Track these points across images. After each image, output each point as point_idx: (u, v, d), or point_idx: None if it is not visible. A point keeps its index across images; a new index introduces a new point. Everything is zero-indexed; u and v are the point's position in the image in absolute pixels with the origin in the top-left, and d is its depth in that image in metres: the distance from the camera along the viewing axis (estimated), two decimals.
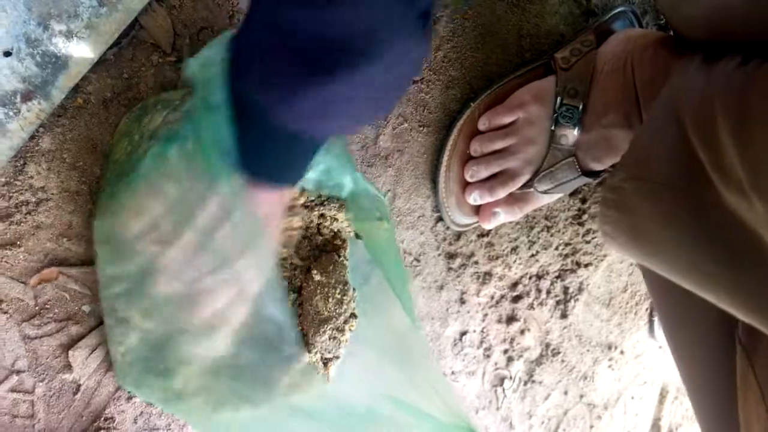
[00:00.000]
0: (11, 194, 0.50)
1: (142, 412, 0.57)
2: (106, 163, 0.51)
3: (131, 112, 0.51)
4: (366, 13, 0.38)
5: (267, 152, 0.45)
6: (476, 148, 0.66)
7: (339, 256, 0.55)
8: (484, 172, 0.66)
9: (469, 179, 0.67)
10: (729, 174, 0.42)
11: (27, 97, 0.48)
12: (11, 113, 0.48)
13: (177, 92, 0.52)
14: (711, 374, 0.60)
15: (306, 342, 0.52)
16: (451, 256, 0.72)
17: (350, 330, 0.54)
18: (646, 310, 0.91)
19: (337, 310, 0.53)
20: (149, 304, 0.46)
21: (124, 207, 0.46)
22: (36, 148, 0.50)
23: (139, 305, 0.47)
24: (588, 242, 0.81)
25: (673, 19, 0.58)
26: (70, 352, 0.54)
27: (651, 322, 0.91)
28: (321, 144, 0.47)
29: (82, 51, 0.49)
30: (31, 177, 0.50)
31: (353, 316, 0.54)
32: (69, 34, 0.48)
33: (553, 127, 0.65)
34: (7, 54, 0.46)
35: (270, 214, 0.49)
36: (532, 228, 0.77)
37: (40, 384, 0.53)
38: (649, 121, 0.54)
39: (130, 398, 0.56)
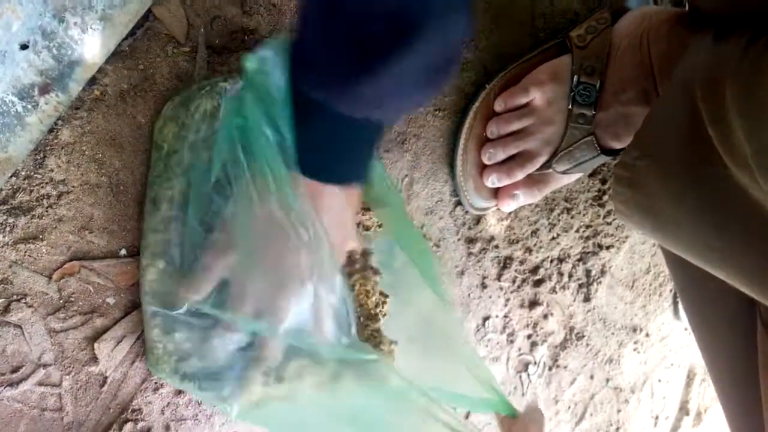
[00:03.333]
0: (32, 188, 0.50)
1: (169, 403, 0.57)
2: (153, 148, 0.52)
3: (173, 99, 0.52)
4: None
5: (329, 146, 0.46)
6: (493, 129, 0.66)
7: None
8: (501, 154, 0.66)
9: (486, 162, 0.66)
10: (736, 150, 0.42)
11: (44, 89, 0.48)
12: (30, 106, 0.48)
13: (219, 78, 0.53)
14: (733, 354, 0.60)
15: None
16: (471, 241, 0.72)
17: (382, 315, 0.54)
18: (671, 291, 0.90)
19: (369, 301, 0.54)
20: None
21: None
22: (55, 141, 0.50)
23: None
24: (609, 224, 0.81)
25: None
26: (96, 345, 0.54)
27: (676, 304, 0.90)
28: (381, 132, 0.47)
29: (97, 43, 0.49)
30: (52, 170, 0.50)
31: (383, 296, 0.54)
32: (84, 26, 0.48)
33: (570, 106, 0.64)
34: (24, 47, 0.47)
35: (338, 218, 0.49)
36: (552, 210, 0.76)
37: (67, 377, 0.53)
38: (663, 98, 0.53)
39: (156, 389, 0.56)
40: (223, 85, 0.52)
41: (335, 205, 0.48)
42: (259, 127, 0.44)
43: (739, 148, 0.42)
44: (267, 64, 0.44)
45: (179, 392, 0.58)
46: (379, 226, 0.58)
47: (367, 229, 0.57)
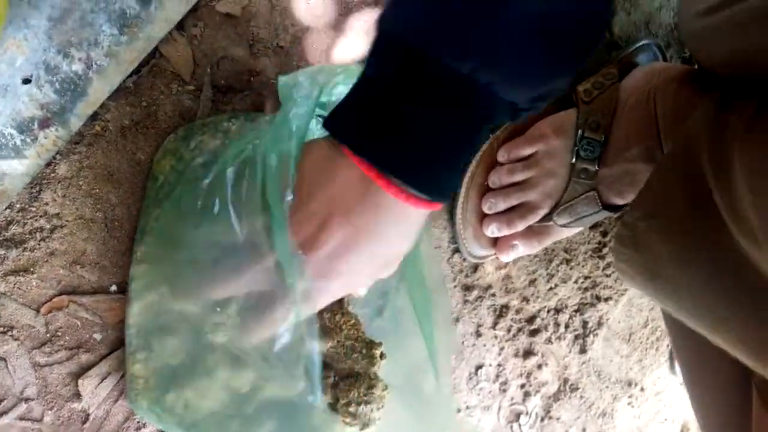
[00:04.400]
0: (26, 220, 0.50)
1: None
2: (149, 179, 0.52)
3: (176, 133, 0.52)
4: None
5: (413, 128, 0.33)
6: (495, 179, 0.65)
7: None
8: (502, 204, 0.65)
9: (487, 211, 0.66)
10: (743, 220, 0.42)
11: (45, 124, 0.48)
12: (28, 140, 0.48)
13: (224, 116, 0.52)
14: (725, 420, 0.58)
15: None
16: (467, 288, 0.71)
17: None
18: (667, 346, 0.88)
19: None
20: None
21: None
22: (52, 174, 0.50)
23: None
24: (608, 276, 0.80)
25: (698, 54, 0.57)
26: (80, 381, 0.53)
27: (672, 359, 0.89)
28: (483, 126, 0.35)
29: (101, 79, 0.49)
30: (47, 203, 0.50)
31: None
32: (89, 62, 0.48)
33: (573, 161, 0.64)
34: (27, 81, 0.46)
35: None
36: (551, 261, 0.76)
37: (49, 412, 0.52)
38: (667, 158, 0.53)
39: (139, 429, 0.55)
40: (227, 125, 0.52)
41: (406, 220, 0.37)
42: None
43: (745, 218, 0.42)
44: (300, 87, 0.42)
45: None
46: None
47: None
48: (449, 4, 0.31)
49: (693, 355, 0.62)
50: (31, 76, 0.46)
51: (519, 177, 0.64)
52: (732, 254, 0.44)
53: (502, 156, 0.65)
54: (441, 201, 0.37)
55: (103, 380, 0.54)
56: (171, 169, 0.52)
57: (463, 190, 0.66)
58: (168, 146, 0.52)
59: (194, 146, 0.52)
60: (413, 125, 0.33)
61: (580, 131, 0.64)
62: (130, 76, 0.51)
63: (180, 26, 0.52)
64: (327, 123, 0.36)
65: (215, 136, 0.52)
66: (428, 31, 0.32)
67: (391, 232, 0.37)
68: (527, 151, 0.65)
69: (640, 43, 0.69)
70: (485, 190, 0.66)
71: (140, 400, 0.51)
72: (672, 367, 0.90)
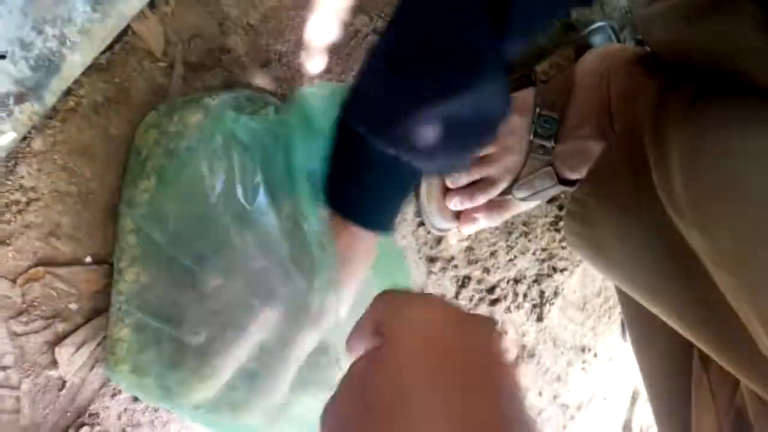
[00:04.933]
0: (2, 194, 0.51)
1: (126, 409, 0.58)
2: (132, 152, 0.54)
3: (157, 108, 0.54)
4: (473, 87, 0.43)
5: (364, 186, 0.49)
6: None
7: None
8: (464, 179, 0.68)
9: (450, 185, 0.69)
10: (675, 199, 0.45)
11: (20, 99, 0.49)
12: (4, 115, 0.49)
13: (203, 93, 0.54)
14: (669, 378, 0.62)
15: None
16: (431, 260, 0.74)
17: None
18: (619, 314, 0.93)
19: None
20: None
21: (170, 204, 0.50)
22: (27, 149, 0.51)
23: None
24: (564, 248, 0.84)
25: (646, 39, 0.61)
26: (56, 349, 0.55)
27: (623, 326, 0.94)
28: (412, 181, 0.53)
29: (74, 55, 0.50)
30: (22, 177, 0.51)
31: None
32: (62, 39, 0.49)
33: (531, 137, 0.67)
34: (2, 57, 0.47)
35: (355, 257, 0.52)
36: (510, 233, 0.79)
37: (26, 380, 0.54)
38: (615, 138, 0.56)
39: (114, 395, 0.57)
40: (207, 100, 0.53)
41: (358, 248, 0.51)
42: (301, 153, 0.47)
43: (677, 194, 0.45)
44: (317, 100, 0.48)
45: (136, 399, 0.59)
46: None
47: None
48: (385, 116, 0.45)
49: (640, 323, 0.66)
50: (6, 52, 0.47)
51: (480, 153, 0.67)
52: (667, 230, 0.47)
53: None
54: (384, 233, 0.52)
55: (78, 349, 0.55)
56: (155, 143, 0.53)
57: None
58: (150, 120, 0.54)
59: (177, 120, 0.53)
60: (367, 186, 0.50)
61: (537, 109, 0.67)
62: (104, 52, 0.52)
63: (152, 4, 0.53)
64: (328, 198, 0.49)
65: (197, 111, 0.53)
66: (371, 129, 0.46)
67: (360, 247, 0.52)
68: None
69: (596, 25, 0.72)
70: None
71: (120, 365, 0.53)
72: (623, 334, 0.95)
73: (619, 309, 0.93)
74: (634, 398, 1.01)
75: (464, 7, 0.41)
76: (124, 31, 0.53)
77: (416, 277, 0.74)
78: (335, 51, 0.63)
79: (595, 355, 0.93)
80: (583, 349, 0.92)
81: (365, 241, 0.52)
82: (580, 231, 0.57)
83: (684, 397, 0.59)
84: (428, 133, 0.45)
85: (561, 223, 0.82)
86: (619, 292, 0.68)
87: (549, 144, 0.67)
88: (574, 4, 0.66)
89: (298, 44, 0.61)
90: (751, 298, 0.41)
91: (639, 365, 0.68)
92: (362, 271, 0.53)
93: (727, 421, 0.51)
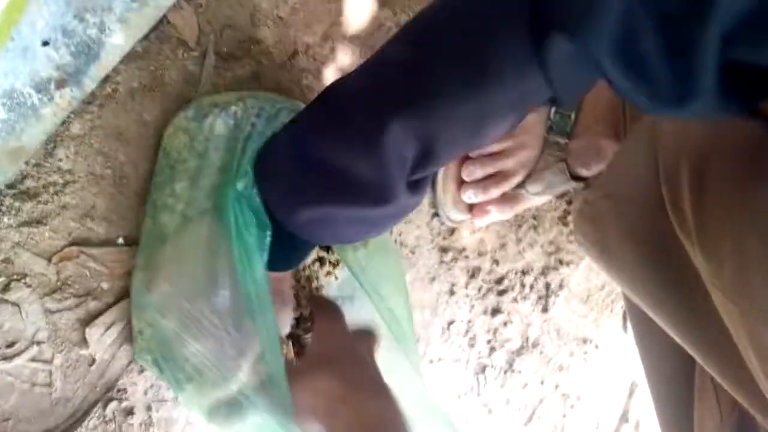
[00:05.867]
0: (40, 175, 0.53)
1: (152, 385, 0.60)
2: (161, 154, 0.56)
3: (185, 110, 0.55)
4: (376, 170, 0.44)
5: (278, 249, 0.51)
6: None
7: None
8: (479, 172, 0.70)
9: (465, 178, 0.71)
10: (683, 217, 0.45)
11: (60, 84, 0.51)
12: (45, 99, 0.50)
13: (231, 95, 0.56)
14: (672, 376, 0.63)
15: None
16: (444, 250, 0.77)
17: None
18: (621, 308, 0.96)
19: None
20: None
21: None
22: (66, 132, 0.53)
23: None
24: (571, 242, 0.86)
25: None
26: (87, 330, 0.57)
27: (625, 319, 0.96)
28: (316, 245, 0.56)
29: (113, 43, 0.52)
30: (60, 160, 0.53)
31: None
32: (102, 27, 0.51)
33: (546, 134, 0.69)
34: (46, 43, 0.49)
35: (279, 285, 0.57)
36: (520, 226, 0.82)
37: (58, 355, 0.56)
38: (629, 143, 0.57)
39: (141, 371, 0.60)
40: (234, 109, 0.55)
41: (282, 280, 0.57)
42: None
43: (686, 214, 0.45)
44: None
45: None
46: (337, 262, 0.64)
47: (332, 264, 0.62)
48: (296, 211, 0.48)
49: (644, 324, 0.66)
50: (50, 38, 0.49)
51: (496, 147, 0.70)
52: (673, 242, 0.48)
53: None
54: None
55: (108, 329, 0.58)
56: (185, 147, 0.55)
57: None
58: (180, 124, 0.55)
59: (207, 127, 0.55)
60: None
61: (552, 107, 0.69)
62: (140, 41, 0.54)
63: None
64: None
65: (226, 121, 0.55)
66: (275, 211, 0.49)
67: None
68: None
69: None
70: (464, 159, 0.71)
71: (143, 354, 0.55)
72: (624, 327, 0.97)
73: (620, 303, 0.95)
74: (632, 390, 1.04)
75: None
76: (160, 21, 0.54)
77: (427, 266, 0.76)
78: (359, 43, 0.65)
79: (597, 347, 0.96)
80: (585, 341, 0.94)
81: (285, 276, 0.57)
82: (589, 231, 0.58)
83: (687, 397, 0.59)
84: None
85: (569, 218, 0.84)
86: (623, 291, 0.69)
87: (563, 140, 0.69)
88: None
89: (325, 36, 0.63)
90: (750, 330, 0.41)
91: (642, 363, 0.70)
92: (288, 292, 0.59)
93: (730, 422, 0.53)
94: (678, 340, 0.53)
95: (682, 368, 0.59)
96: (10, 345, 0.54)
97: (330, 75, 0.64)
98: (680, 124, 0.48)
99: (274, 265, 0.52)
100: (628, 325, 0.96)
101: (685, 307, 0.50)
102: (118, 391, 0.59)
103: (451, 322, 0.80)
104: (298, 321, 0.60)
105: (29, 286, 0.54)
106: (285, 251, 0.52)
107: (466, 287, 0.80)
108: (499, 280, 0.83)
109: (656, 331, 0.63)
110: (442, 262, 0.77)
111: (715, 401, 0.55)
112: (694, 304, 0.49)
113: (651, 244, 0.51)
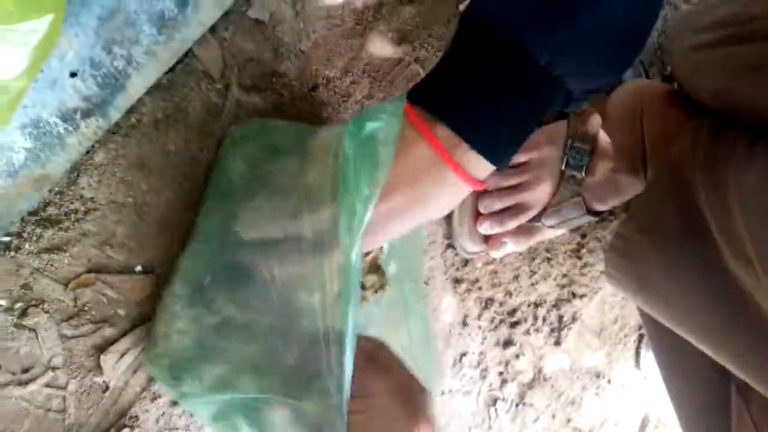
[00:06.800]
0: (62, 202, 0.53)
1: (164, 413, 0.60)
2: (217, 167, 0.57)
3: (234, 133, 0.57)
4: None
5: (485, 89, 0.39)
6: (491, 182, 0.70)
7: None
8: (497, 205, 0.71)
9: (482, 210, 0.71)
10: (735, 242, 0.45)
11: (86, 114, 0.52)
12: (71, 128, 0.51)
13: (282, 122, 0.58)
14: (704, 408, 0.62)
15: None
16: (457, 281, 0.77)
17: None
18: (634, 342, 0.95)
19: None
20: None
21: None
22: (90, 161, 0.53)
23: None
24: (584, 275, 0.86)
25: (685, 86, 0.62)
26: (102, 357, 0.57)
27: (638, 354, 0.96)
28: (543, 109, 0.41)
29: (139, 75, 0.53)
30: (83, 188, 0.54)
31: None
32: (129, 59, 0.52)
33: (563, 168, 0.69)
34: (74, 75, 0.50)
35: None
36: (533, 259, 0.82)
37: (73, 381, 0.56)
38: (658, 176, 0.57)
39: (154, 399, 0.60)
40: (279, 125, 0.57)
41: (431, 180, 0.42)
42: None
43: (739, 237, 0.45)
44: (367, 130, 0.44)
45: (174, 403, 0.61)
46: (381, 287, 0.59)
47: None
48: (538, 7, 0.37)
49: (673, 355, 0.65)
50: (78, 70, 0.50)
51: (514, 181, 0.70)
52: (719, 269, 0.47)
53: None
54: (496, 165, 0.42)
55: (122, 356, 0.58)
56: (247, 167, 0.55)
57: None
58: (238, 142, 0.56)
59: (270, 157, 0.55)
60: (487, 98, 0.39)
61: (569, 141, 0.69)
62: (166, 73, 0.55)
63: (212, 29, 0.56)
64: (411, 93, 0.41)
65: (288, 156, 0.54)
66: (518, 27, 0.38)
67: (441, 202, 0.44)
68: (522, 158, 0.70)
69: None
70: (481, 192, 0.71)
71: (159, 359, 0.54)
72: (637, 362, 0.97)
73: (634, 337, 0.95)
74: (644, 424, 1.03)
75: None
76: (186, 54, 0.55)
77: (440, 297, 0.76)
78: (379, 77, 0.66)
79: (609, 381, 0.95)
80: (597, 375, 0.94)
81: (460, 195, 0.44)
82: (624, 266, 0.58)
83: (722, 428, 0.58)
84: (590, 34, 0.38)
85: (583, 251, 0.84)
86: (645, 315, 0.68)
87: (580, 175, 0.69)
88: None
89: (345, 70, 0.64)
90: None
91: (671, 396, 0.68)
92: (420, 219, 0.45)
93: None
94: (732, 368, 0.51)
95: (716, 402, 0.58)
96: (26, 370, 0.55)
97: (350, 108, 0.64)
98: (712, 145, 0.47)
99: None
100: (641, 359, 0.95)
101: (742, 334, 0.49)
102: (131, 418, 0.59)
103: (463, 354, 0.80)
104: None
105: (47, 311, 0.54)
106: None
107: (479, 318, 0.80)
108: (512, 312, 0.82)
109: (687, 365, 0.62)
110: (455, 293, 0.77)
111: None
112: (750, 329, 0.47)
113: (699, 277, 0.50)
